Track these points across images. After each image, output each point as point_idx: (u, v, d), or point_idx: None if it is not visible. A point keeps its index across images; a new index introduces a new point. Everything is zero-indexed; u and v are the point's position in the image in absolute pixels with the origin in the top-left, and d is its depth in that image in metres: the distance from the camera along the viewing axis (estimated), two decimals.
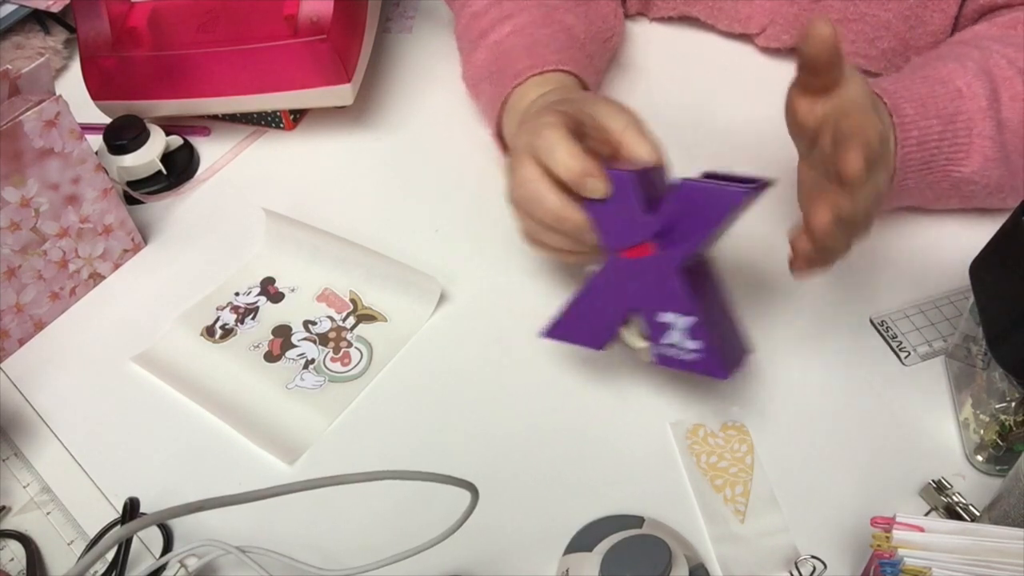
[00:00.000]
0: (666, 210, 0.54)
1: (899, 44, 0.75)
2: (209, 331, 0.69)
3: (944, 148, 0.62)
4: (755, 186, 0.53)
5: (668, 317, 0.55)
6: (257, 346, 0.68)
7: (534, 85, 0.68)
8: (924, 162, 0.62)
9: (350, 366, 0.66)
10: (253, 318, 0.69)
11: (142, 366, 0.67)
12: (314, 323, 0.69)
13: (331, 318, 0.69)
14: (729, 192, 0.52)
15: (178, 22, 0.80)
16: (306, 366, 0.66)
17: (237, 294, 0.71)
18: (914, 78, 0.63)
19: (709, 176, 0.55)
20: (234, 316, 0.70)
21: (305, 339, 0.68)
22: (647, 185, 0.54)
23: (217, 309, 0.70)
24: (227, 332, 0.69)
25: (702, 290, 0.56)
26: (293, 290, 0.71)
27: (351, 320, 0.69)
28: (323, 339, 0.68)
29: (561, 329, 0.60)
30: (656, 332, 0.56)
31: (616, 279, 0.56)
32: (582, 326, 0.59)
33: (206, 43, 0.77)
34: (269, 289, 0.71)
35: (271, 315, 0.70)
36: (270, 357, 0.67)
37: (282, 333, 0.68)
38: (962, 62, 0.63)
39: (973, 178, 0.63)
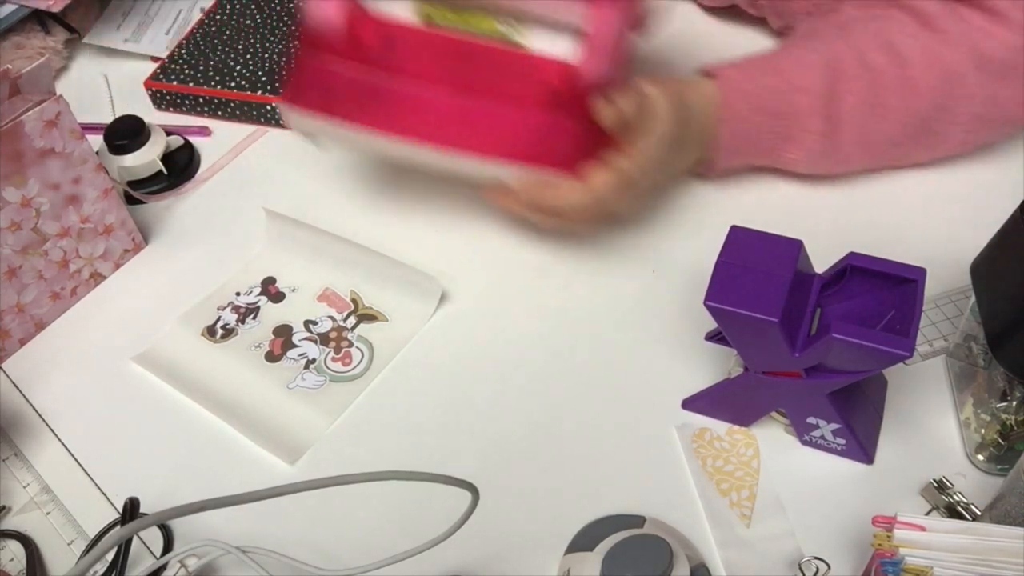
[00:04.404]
0: (816, 351, 0.51)
1: None
2: (210, 331, 0.69)
3: (769, 139, 0.68)
4: (914, 328, 0.49)
5: (815, 420, 0.56)
6: (258, 346, 0.68)
7: None
8: (748, 149, 0.69)
9: (351, 366, 0.66)
10: (254, 318, 0.69)
11: (143, 366, 0.67)
12: (315, 323, 0.69)
13: (332, 318, 0.69)
14: (888, 353, 0.48)
15: (417, 49, 0.65)
16: (307, 366, 0.66)
17: (238, 294, 0.71)
18: (761, 67, 0.67)
19: (856, 269, 0.53)
20: (235, 316, 0.70)
21: (306, 339, 0.68)
22: (794, 287, 0.51)
23: (218, 309, 0.70)
24: (228, 332, 0.69)
25: (850, 394, 0.55)
26: (294, 290, 0.71)
27: (352, 320, 0.69)
28: (324, 339, 0.68)
29: (704, 407, 0.60)
30: (802, 429, 0.57)
31: (760, 385, 0.56)
32: (725, 408, 0.60)
33: (440, 84, 0.64)
34: (270, 289, 0.71)
35: (272, 315, 0.70)
36: (271, 357, 0.67)
37: (283, 333, 0.68)
38: (813, 54, 0.67)
39: (798, 165, 0.70)
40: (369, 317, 0.68)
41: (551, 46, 0.63)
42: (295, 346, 0.67)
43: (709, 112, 0.66)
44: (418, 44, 0.65)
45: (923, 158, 0.71)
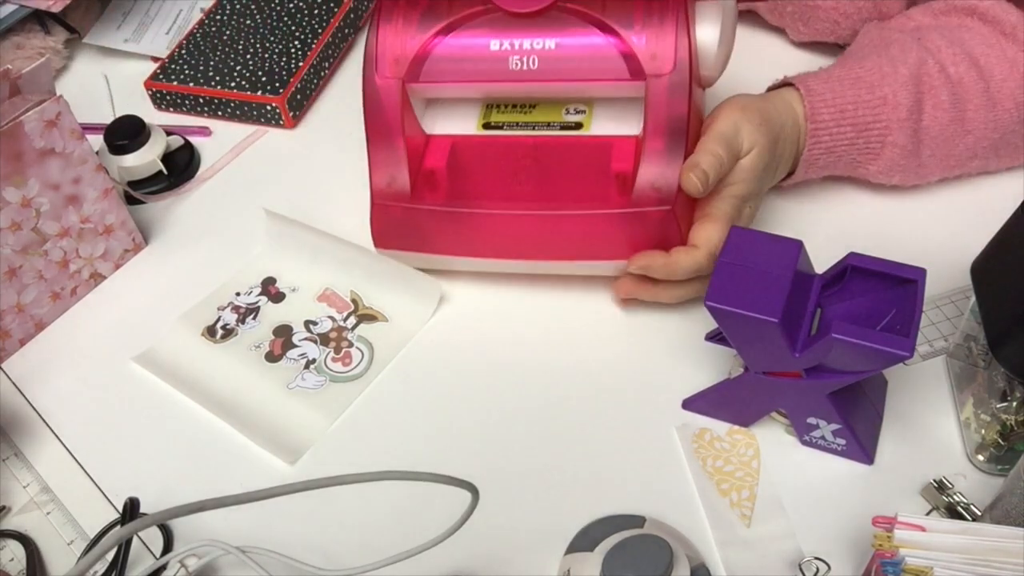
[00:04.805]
0: (816, 352, 0.51)
1: None
2: (210, 331, 0.69)
3: (852, 152, 0.66)
4: (914, 328, 0.49)
5: (815, 420, 0.56)
6: (258, 346, 0.68)
7: None
8: (830, 162, 0.67)
9: (351, 366, 0.66)
10: (254, 318, 0.69)
11: (143, 366, 0.67)
12: (315, 323, 0.69)
13: (332, 318, 0.69)
14: (888, 353, 0.48)
15: (484, 166, 0.65)
16: (307, 366, 0.66)
17: (238, 294, 0.71)
18: (844, 78, 0.65)
19: (856, 269, 0.53)
20: (235, 316, 0.70)
21: (306, 339, 0.68)
22: (795, 284, 0.52)
23: (218, 309, 0.70)
24: (228, 332, 0.69)
25: (850, 394, 0.55)
26: (294, 290, 0.71)
27: (352, 320, 0.68)
28: (324, 339, 0.68)
29: (704, 407, 0.60)
30: (802, 429, 0.57)
31: (760, 385, 0.56)
32: (725, 408, 0.59)
33: (520, 200, 0.63)
34: (270, 289, 0.71)
35: (272, 315, 0.70)
36: (271, 357, 0.67)
37: (283, 333, 0.68)
38: (896, 65, 0.64)
39: (877, 176, 0.68)
40: (369, 317, 0.68)
41: (622, 124, 0.63)
42: (295, 346, 0.67)
43: (796, 124, 0.64)
44: (488, 159, 0.65)
45: (997, 168, 0.70)
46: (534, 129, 0.65)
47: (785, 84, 0.67)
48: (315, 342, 0.68)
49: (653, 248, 0.61)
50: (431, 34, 0.63)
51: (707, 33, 0.61)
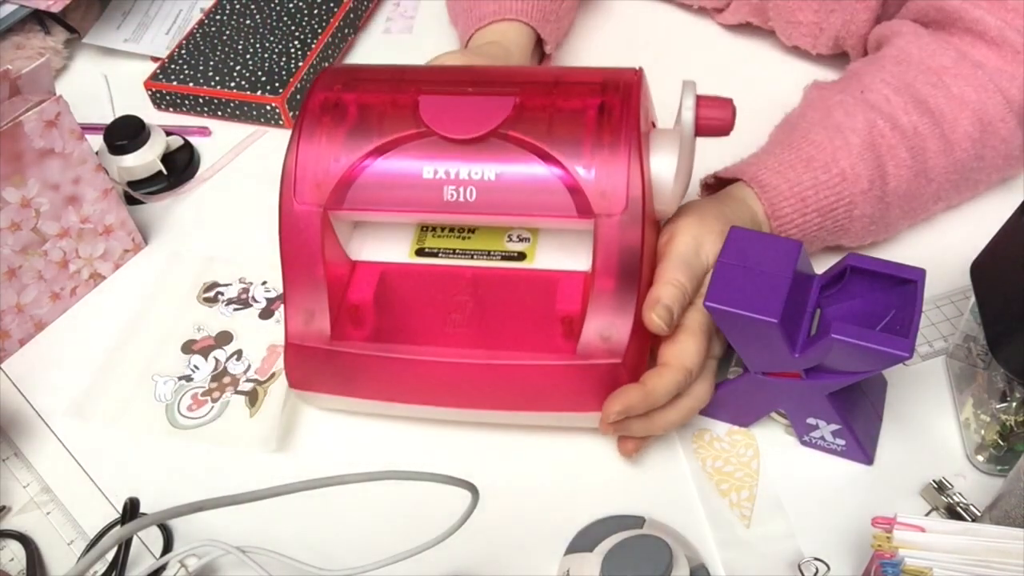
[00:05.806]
0: (815, 352, 0.51)
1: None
2: (207, 288, 0.70)
3: (822, 234, 0.63)
4: (913, 329, 0.49)
5: (815, 421, 0.56)
6: (199, 329, 0.68)
7: (493, 31, 0.73)
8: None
9: (189, 414, 0.63)
10: (236, 309, 0.69)
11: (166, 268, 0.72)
12: (239, 358, 0.66)
13: (249, 367, 0.65)
14: (887, 354, 0.48)
15: (417, 300, 0.58)
16: (180, 379, 0.65)
17: (264, 283, 0.71)
18: (794, 162, 0.61)
19: (856, 270, 0.53)
20: (235, 294, 0.70)
21: (216, 359, 0.66)
22: (794, 287, 0.52)
23: (239, 280, 0.71)
24: (211, 300, 0.69)
25: (850, 395, 0.55)
26: (278, 321, 0.68)
27: (248, 385, 0.64)
28: (217, 376, 0.65)
29: (703, 408, 0.59)
30: (802, 429, 0.57)
31: (760, 386, 0.56)
32: (725, 408, 0.59)
33: (455, 344, 0.56)
34: (275, 303, 0.69)
35: (242, 322, 0.68)
36: (186, 347, 0.67)
37: (219, 340, 0.67)
38: (845, 135, 0.61)
39: (850, 244, 0.65)
40: (254, 398, 0.63)
41: (569, 256, 0.57)
42: (204, 357, 0.66)
43: (755, 223, 0.61)
44: (421, 292, 0.58)
45: (959, 202, 0.69)
46: (473, 258, 0.58)
47: (735, 179, 0.63)
48: (213, 370, 0.65)
49: (599, 399, 0.54)
50: (358, 157, 0.56)
51: (663, 165, 0.55)
